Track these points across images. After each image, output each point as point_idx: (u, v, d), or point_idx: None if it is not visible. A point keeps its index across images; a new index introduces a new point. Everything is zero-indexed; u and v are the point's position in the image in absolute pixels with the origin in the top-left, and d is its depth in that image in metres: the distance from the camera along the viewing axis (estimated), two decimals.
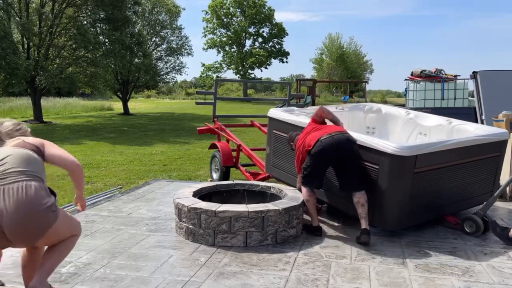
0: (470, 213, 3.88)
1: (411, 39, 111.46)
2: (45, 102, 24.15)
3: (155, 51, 28.22)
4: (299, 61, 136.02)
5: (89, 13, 19.55)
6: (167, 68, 29.04)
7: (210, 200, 4.03)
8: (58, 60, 18.72)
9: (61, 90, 29.12)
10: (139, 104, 33.14)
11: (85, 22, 19.18)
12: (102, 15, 19.61)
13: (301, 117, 4.56)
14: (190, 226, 3.62)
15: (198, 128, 7.18)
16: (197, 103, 7.90)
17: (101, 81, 21.47)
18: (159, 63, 28.32)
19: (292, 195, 3.98)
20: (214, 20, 44.67)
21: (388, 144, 3.52)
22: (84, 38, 17.74)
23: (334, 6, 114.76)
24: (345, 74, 48.58)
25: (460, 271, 3.04)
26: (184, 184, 5.54)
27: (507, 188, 5.04)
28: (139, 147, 10.98)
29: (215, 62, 46.12)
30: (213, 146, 6.74)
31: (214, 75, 44.93)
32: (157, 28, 27.91)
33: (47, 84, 17.66)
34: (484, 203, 3.99)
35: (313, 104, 18.94)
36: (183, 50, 29.18)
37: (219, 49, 45.48)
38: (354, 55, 52.44)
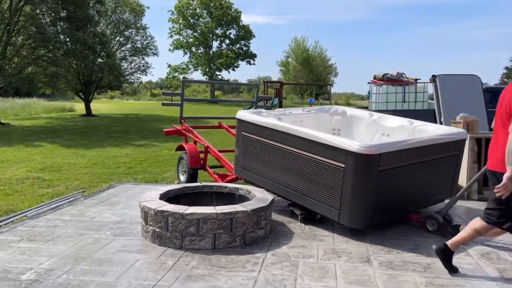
0: (433, 212, 4.04)
1: (374, 43, 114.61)
2: (2, 103, 23.07)
3: (119, 51, 27.59)
4: (266, 64, 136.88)
5: (49, 11, 18.83)
6: (131, 68, 28.48)
7: (178, 203, 3.99)
8: (16, 59, 17.92)
9: (20, 90, 27.89)
10: (102, 105, 32.23)
11: (44, 21, 18.45)
12: (63, 14, 18.94)
13: (269, 118, 4.60)
14: (157, 230, 3.56)
15: (164, 130, 7.07)
16: (163, 104, 7.78)
17: (63, 81, 20.73)
18: (123, 63, 27.72)
19: (261, 196, 4.00)
20: (180, 21, 44.17)
21: (353, 143, 3.61)
22: (44, 37, 17.08)
23: (298, 9, 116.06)
24: (311, 77, 49.27)
25: (422, 268, 3.16)
26: (150, 187, 5.45)
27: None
28: (102, 149, 10.68)
29: (182, 63, 45.64)
30: (180, 148, 6.66)
31: (181, 76, 44.43)
32: (121, 27, 27.31)
33: (4, 84, 16.85)
34: (446, 202, 4.17)
35: (280, 106, 19.07)
36: (148, 50, 28.71)
37: (186, 50, 45.01)
38: (319, 58, 53.31)
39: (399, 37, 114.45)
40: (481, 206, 4.98)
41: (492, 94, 10.75)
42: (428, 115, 8.50)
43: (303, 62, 50.41)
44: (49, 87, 21.71)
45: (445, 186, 4.43)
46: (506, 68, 37.86)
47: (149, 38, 29.12)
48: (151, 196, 3.94)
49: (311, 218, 4.23)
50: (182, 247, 3.48)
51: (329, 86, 33.96)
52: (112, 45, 25.85)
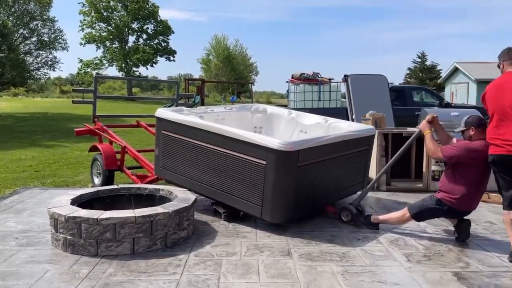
0: (346, 204, 4.29)
1: (292, 43, 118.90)
2: None
3: (22, 44, 25.24)
4: (187, 61, 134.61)
5: None
6: (37, 63, 26.25)
7: (92, 208, 3.75)
8: None
9: None
10: (4, 104, 29.15)
11: None
12: None
13: (190, 116, 4.52)
14: (69, 237, 3.32)
15: (75, 130, 6.62)
16: (74, 102, 7.26)
17: None
18: (28, 58, 25.43)
19: (183, 196, 3.92)
20: (93, 14, 41.56)
21: (274, 141, 3.70)
22: None
23: (218, 7, 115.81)
24: (232, 75, 49.55)
25: (338, 257, 3.34)
26: (61, 192, 5.05)
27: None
28: (4, 152, 9.67)
29: (95, 58, 42.99)
30: (93, 149, 6.27)
31: (94, 72, 41.85)
32: (25, 19, 24.98)
33: None
34: (359, 193, 4.45)
35: (202, 104, 18.86)
36: (56, 44, 26.66)
37: (99, 44, 42.49)
38: (240, 56, 53.80)
39: (315, 38, 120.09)
40: (389, 196, 5.43)
41: (397, 93, 11.77)
42: (341, 113, 8.98)
43: (224, 60, 50.48)
44: None
45: (357, 178, 4.73)
46: (409, 68, 41.52)
47: (58, 31, 27.08)
48: (62, 202, 3.66)
49: (234, 215, 4.25)
50: (98, 254, 3.27)
51: (250, 85, 34.50)
52: (14, 38, 23.58)
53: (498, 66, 3.48)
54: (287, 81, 10.86)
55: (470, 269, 3.13)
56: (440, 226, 4.14)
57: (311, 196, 4.08)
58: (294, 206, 3.88)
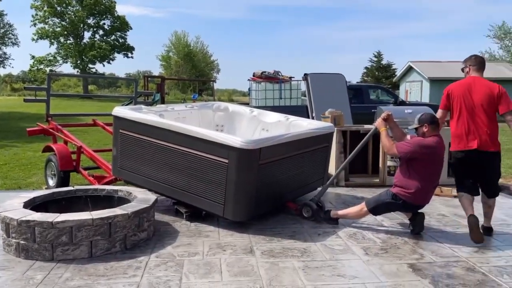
0: (307, 200, 4.36)
1: (253, 41, 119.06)
2: None
3: None
4: (146, 57, 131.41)
5: None
6: None
7: (47, 211, 3.60)
8: None
9: None
10: None
11: None
12: None
13: (150, 115, 4.43)
14: (22, 242, 3.17)
15: (28, 129, 6.31)
16: (25, 100, 6.92)
17: None
18: None
19: (143, 197, 3.84)
20: (45, 8, 39.68)
21: (236, 139, 3.70)
22: None
23: (176, 3, 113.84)
24: (194, 73, 48.96)
25: (299, 253, 3.39)
26: (12, 194, 4.80)
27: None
28: None
29: (48, 54, 41.09)
30: (47, 149, 6.01)
31: (47, 69, 40.04)
32: None
33: None
34: (319, 190, 4.54)
35: (163, 102, 18.43)
36: (6, 39, 25.27)
37: (52, 40, 40.65)
38: (201, 54, 53.24)
39: (276, 37, 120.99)
40: (348, 191, 5.57)
41: (354, 91, 12.11)
42: (302, 111, 9.12)
43: (184, 57, 49.75)
44: None
45: (317, 175, 4.83)
46: (366, 67, 42.67)
47: (7, 26, 25.66)
48: (14, 205, 3.49)
49: (196, 215, 4.21)
50: (54, 259, 3.15)
51: (212, 82, 34.24)
52: None
53: (462, 70, 3.86)
54: (248, 79, 10.88)
55: (424, 260, 3.28)
56: (396, 219, 4.30)
57: (272, 193, 4.12)
58: (256, 204, 3.90)
